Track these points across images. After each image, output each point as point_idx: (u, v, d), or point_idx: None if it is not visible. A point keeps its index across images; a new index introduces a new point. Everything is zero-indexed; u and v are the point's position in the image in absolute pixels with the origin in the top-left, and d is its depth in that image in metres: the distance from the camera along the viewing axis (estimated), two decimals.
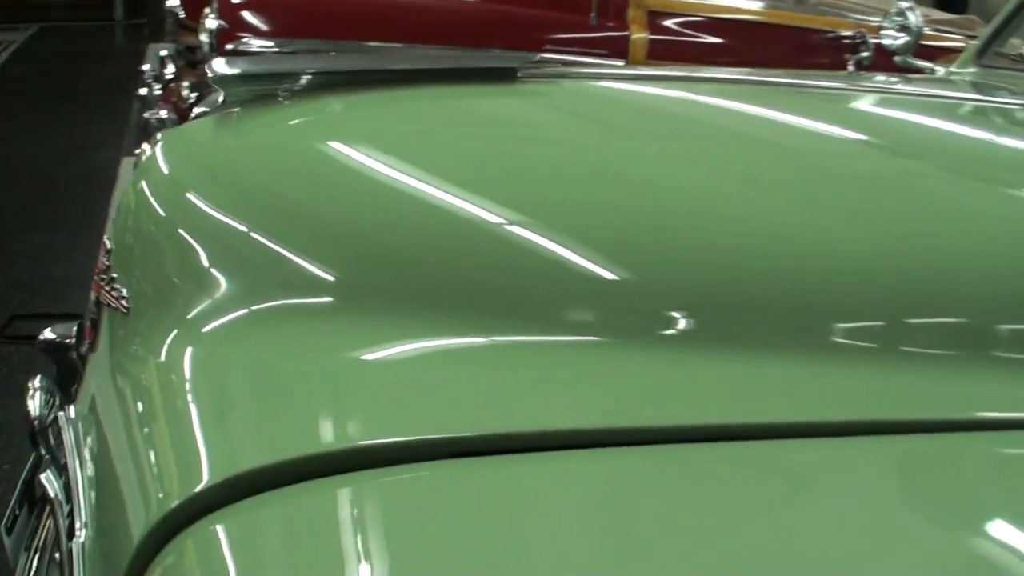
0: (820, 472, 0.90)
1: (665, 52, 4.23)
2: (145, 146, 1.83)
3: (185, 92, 4.18)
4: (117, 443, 1.08)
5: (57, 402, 1.71)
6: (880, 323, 1.07)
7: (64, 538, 1.14)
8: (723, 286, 1.06)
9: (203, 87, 4.02)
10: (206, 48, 3.78)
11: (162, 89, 4.70)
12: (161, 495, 0.93)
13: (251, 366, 1.06)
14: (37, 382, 1.68)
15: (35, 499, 1.63)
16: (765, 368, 1.00)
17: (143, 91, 4.64)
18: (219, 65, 1.17)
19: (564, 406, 0.95)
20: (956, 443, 0.95)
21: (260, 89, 1.25)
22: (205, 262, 1.14)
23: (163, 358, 1.08)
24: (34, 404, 1.69)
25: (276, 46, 3.81)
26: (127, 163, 5.58)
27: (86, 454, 1.17)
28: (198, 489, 0.87)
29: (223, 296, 1.10)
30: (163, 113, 4.14)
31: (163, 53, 5.01)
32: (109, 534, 1.05)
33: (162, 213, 1.21)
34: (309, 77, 1.25)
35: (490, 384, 0.98)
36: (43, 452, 1.69)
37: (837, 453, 0.92)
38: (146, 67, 5.00)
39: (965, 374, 1.04)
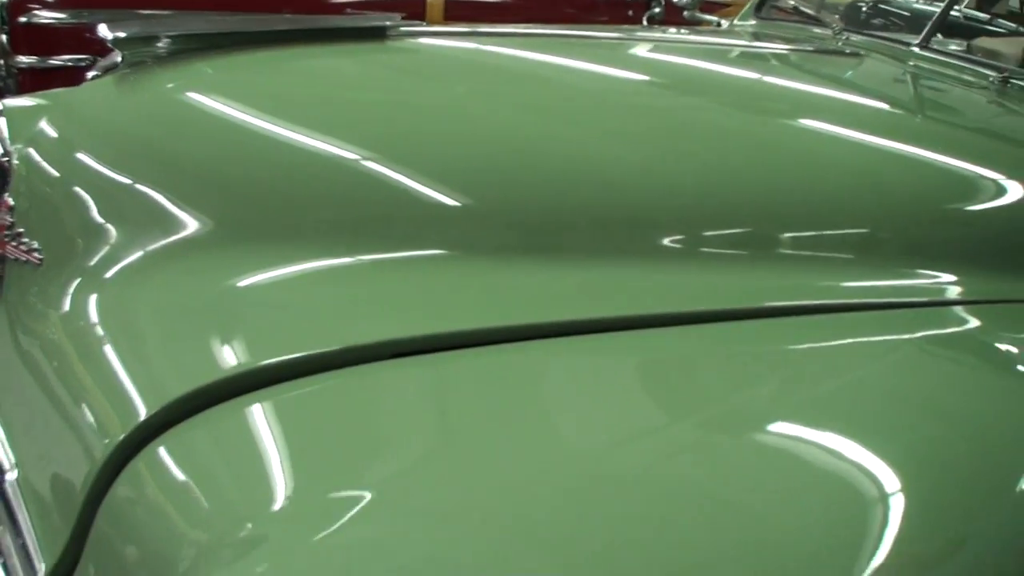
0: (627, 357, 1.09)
1: (460, 14, 4.38)
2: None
3: None
4: (44, 385, 1.16)
5: None
6: (674, 230, 1.26)
7: None
8: (540, 204, 1.23)
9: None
10: None
11: None
12: (106, 428, 1.02)
13: (152, 305, 1.15)
14: None
15: None
16: (583, 272, 1.17)
17: None
18: (109, 29, 1.24)
19: (419, 313, 1.09)
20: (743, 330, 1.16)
21: (138, 54, 1.32)
22: (99, 215, 1.23)
23: (73, 304, 1.16)
24: None
25: (68, 16, 3.72)
26: None
27: (2, 401, 1.23)
28: (141, 419, 0.97)
29: (118, 244, 1.19)
30: None
31: None
32: (48, 471, 1.13)
33: (55, 173, 1.27)
34: (168, 42, 1.34)
35: (355, 297, 1.11)
36: None
37: (642, 342, 1.10)
38: None
39: (750, 270, 1.25)
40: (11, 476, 1.16)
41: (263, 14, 3.92)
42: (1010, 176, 1.47)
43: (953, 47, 2.35)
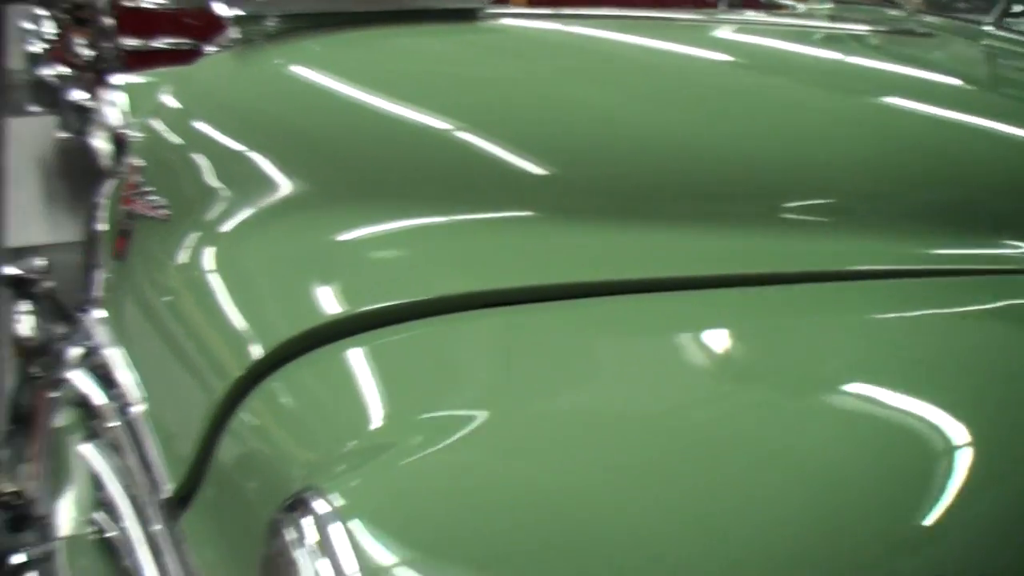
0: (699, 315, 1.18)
1: (544, 2, 4.48)
2: (104, 91, 2.01)
3: (80, 49, 4.24)
4: (168, 328, 1.30)
5: (46, 323, 1.90)
6: (756, 199, 1.35)
7: (116, 414, 1.35)
8: (624, 172, 1.32)
9: (97, 45, 4.11)
10: (101, 4, 3.87)
11: (49, 47, 4.74)
12: (225, 366, 1.16)
13: (264, 256, 1.28)
14: (23, 307, 1.87)
15: (21, 416, 1.81)
16: (666, 235, 1.27)
17: (33, 49, 4.66)
18: (227, 7, 1.38)
19: (506, 268, 1.19)
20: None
21: (250, 32, 1.45)
22: (216, 176, 1.36)
23: (194, 255, 1.30)
24: (23, 327, 1.88)
25: (170, 2, 3.93)
26: (18, 123, 5.56)
27: (129, 344, 1.38)
28: (256, 358, 1.10)
29: (233, 202, 1.32)
30: (60, 69, 4.21)
31: (41, 12, 5.02)
32: (172, 405, 1.27)
33: (178, 139, 1.42)
34: (277, 20, 1.46)
35: (448, 252, 1.22)
36: (32, 371, 1.88)
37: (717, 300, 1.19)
38: (26, 26, 5.01)
39: (837, 236, 1.34)
40: (138, 409, 1.30)
41: None
42: None
43: None
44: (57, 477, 1.64)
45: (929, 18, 2.46)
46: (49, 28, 4.87)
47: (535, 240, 1.23)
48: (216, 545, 1.08)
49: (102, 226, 1.88)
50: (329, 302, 1.15)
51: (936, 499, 0.91)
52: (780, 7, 2.89)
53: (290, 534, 0.78)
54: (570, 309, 1.15)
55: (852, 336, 1.15)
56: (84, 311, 1.55)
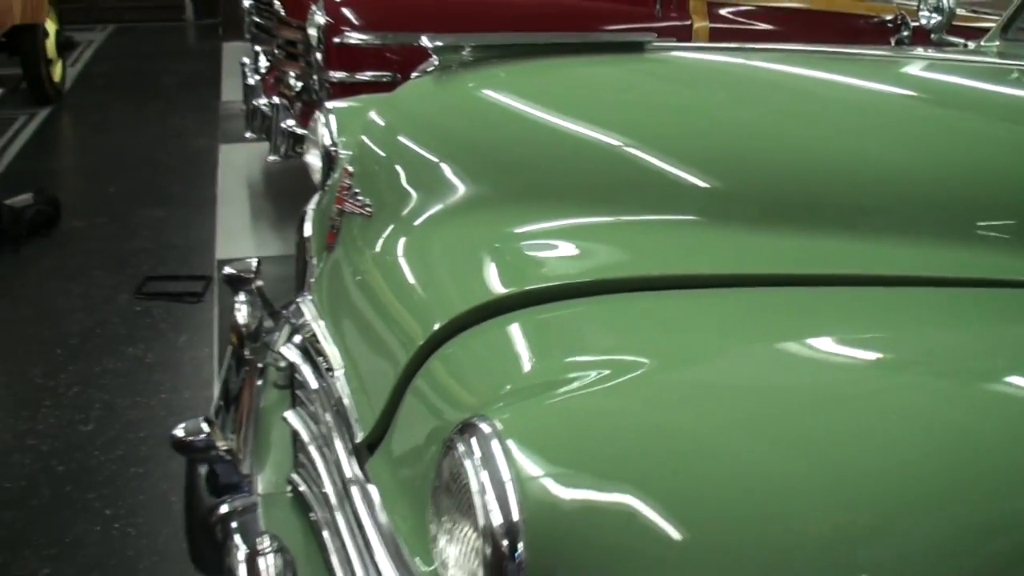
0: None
1: (725, 39, 4.64)
2: (318, 115, 2.29)
3: (292, 81, 4.64)
4: (367, 304, 1.53)
5: (257, 313, 2.17)
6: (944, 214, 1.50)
7: (321, 377, 1.58)
8: (776, 186, 1.48)
9: (307, 77, 4.49)
10: (313, 42, 4.24)
11: (260, 79, 5.19)
12: (409, 336, 1.37)
13: (448, 245, 1.48)
14: (243, 297, 2.15)
15: (231, 393, 2.07)
16: (812, 241, 1.42)
17: (250, 81, 5.11)
18: (428, 40, 1.61)
19: (660, 259, 1.37)
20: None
21: (448, 60, 1.68)
22: (413, 181, 1.59)
23: (390, 243, 1.53)
24: (241, 315, 2.16)
25: (375, 38, 4.26)
26: (225, 150, 6.08)
27: (333, 318, 1.62)
28: (436, 328, 1.31)
29: (425, 202, 1.54)
30: (275, 99, 4.62)
31: (258, 49, 5.50)
32: (366, 368, 1.50)
33: (382, 149, 1.66)
34: (471, 50, 1.68)
35: (611, 246, 1.40)
36: (246, 353, 2.14)
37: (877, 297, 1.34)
38: (245, 61, 5.49)
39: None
40: (339, 372, 1.54)
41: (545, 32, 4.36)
42: None
43: None
44: (259, 445, 1.90)
45: None
46: (264, 63, 5.34)
47: (689, 239, 1.41)
48: (396, 481, 1.29)
49: (308, 231, 2.15)
50: (498, 283, 1.35)
51: None
52: (951, 44, 2.96)
53: (460, 449, 0.98)
54: (718, 295, 1.32)
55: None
56: (296, 299, 1.81)
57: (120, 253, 4.55)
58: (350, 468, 1.40)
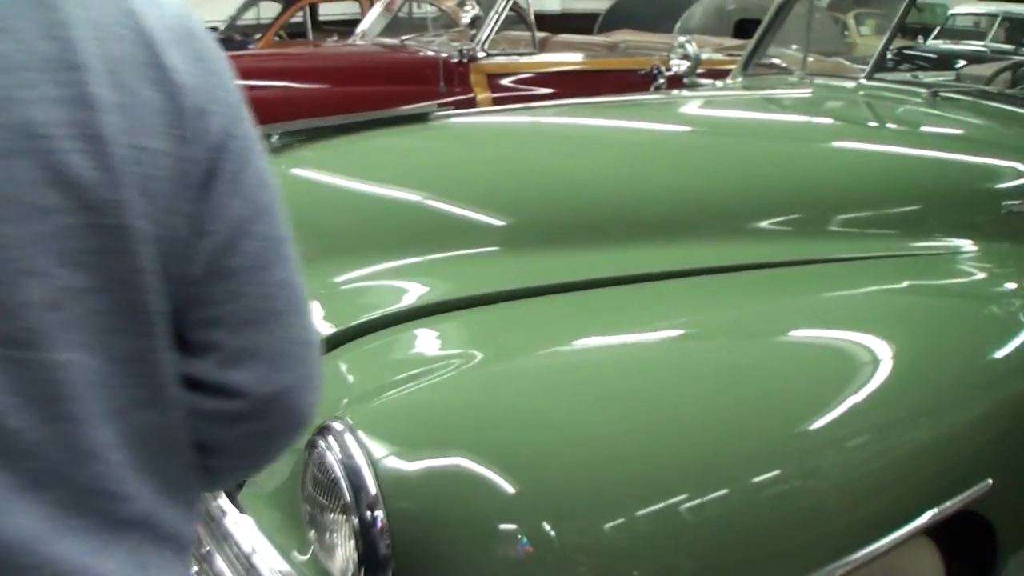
0: None
1: (507, 105, 4.96)
2: None
3: None
4: None
5: None
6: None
7: None
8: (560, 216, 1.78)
9: None
10: None
11: None
12: None
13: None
14: None
15: None
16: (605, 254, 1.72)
17: None
18: None
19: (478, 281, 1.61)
20: None
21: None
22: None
23: None
24: None
25: None
26: None
27: None
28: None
29: None
30: None
31: None
32: None
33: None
34: (277, 137, 1.91)
35: (430, 278, 1.65)
36: None
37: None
38: None
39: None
40: None
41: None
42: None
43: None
44: None
45: (818, 80, 2.94)
46: None
47: (490, 265, 1.67)
48: (265, 497, 1.44)
49: None
50: (327, 323, 1.57)
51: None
52: (701, 85, 3.36)
53: (320, 445, 1.18)
54: (522, 304, 1.58)
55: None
56: None
57: None
58: (220, 506, 1.55)
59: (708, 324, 1.57)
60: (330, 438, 1.18)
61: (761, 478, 1.27)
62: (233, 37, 8.82)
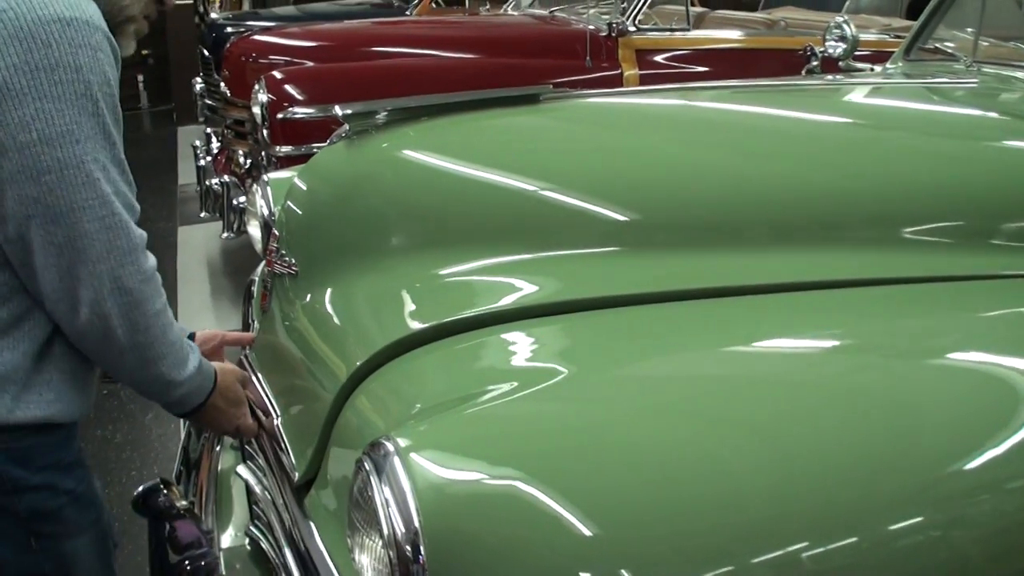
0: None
1: (656, 83, 4.79)
2: (255, 187, 2.40)
3: (241, 159, 4.76)
4: (296, 355, 1.64)
5: None
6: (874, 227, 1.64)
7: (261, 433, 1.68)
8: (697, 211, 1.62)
9: (255, 154, 4.62)
10: (259, 119, 4.36)
11: (212, 160, 5.32)
12: (331, 378, 1.48)
13: (375, 289, 1.59)
14: None
15: (190, 460, 2.15)
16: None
17: (202, 163, 5.24)
18: (340, 108, 1.73)
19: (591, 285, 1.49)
20: None
21: (361, 125, 1.79)
22: (332, 239, 1.70)
23: (314, 297, 1.64)
24: None
25: (318, 111, 4.38)
26: (183, 231, 6.19)
27: (269, 371, 1.72)
28: (370, 354, 1.42)
29: (343, 258, 1.65)
30: (225, 178, 4.74)
31: (209, 131, 5.63)
32: (298, 413, 1.60)
33: (302, 212, 1.77)
34: (385, 113, 1.80)
35: (539, 277, 1.53)
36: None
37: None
38: (196, 143, 5.62)
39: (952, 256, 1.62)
40: (278, 421, 1.64)
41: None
42: None
43: None
44: (221, 504, 1.98)
45: (986, 68, 2.67)
46: (215, 144, 5.47)
47: (607, 267, 1.52)
48: (329, 511, 1.39)
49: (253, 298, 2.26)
50: (416, 318, 1.47)
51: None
52: (858, 70, 3.12)
53: (367, 467, 1.08)
54: (631, 312, 1.44)
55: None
56: (239, 358, 1.91)
57: None
58: (288, 509, 1.49)
59: (848, 342, 1.37)
60: (378, 459, 1.07)
61: (898, 526, 1.09)
62: (392, 2, 8.88)
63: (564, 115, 1.93)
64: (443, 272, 1.56)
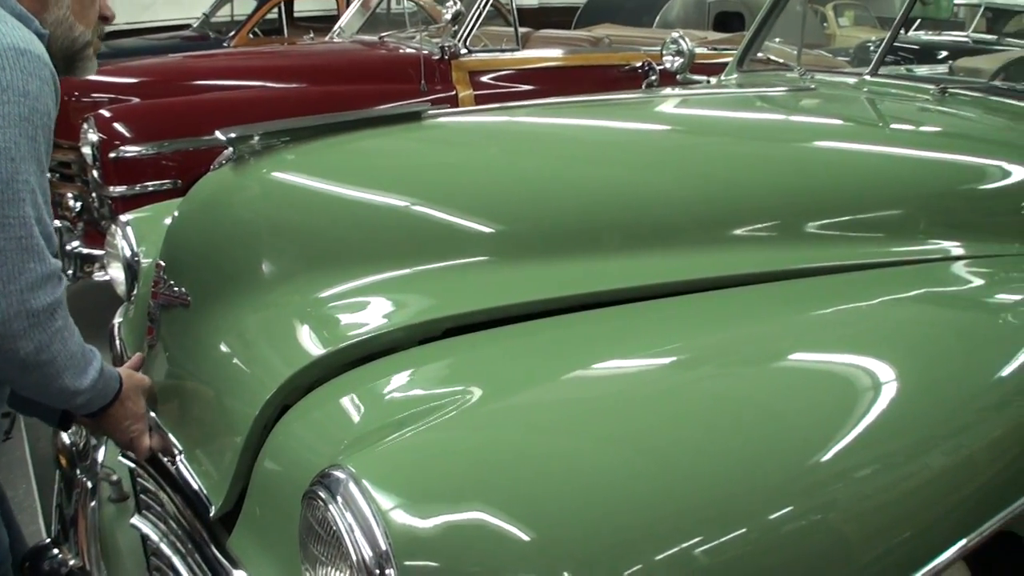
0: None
1: (490, 102, 4.87)
2: (114, 229, 2.32)
3: (71, 202, 4.56)
4: (195, 388, 1.59)
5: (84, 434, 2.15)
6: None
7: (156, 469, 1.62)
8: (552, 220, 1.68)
9: (85, 196, 4.44)
10: (89, 160, 4.20)
11: None
12: (249, 398, 1.44)
13: (268, 316, 1.57)
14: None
15: (67, 520, 2.06)
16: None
17: None
18: (222, 133, 1.69)
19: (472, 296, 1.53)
20: None
21: (240, 149, 1.75)
22: (221, 266, 1.66)
23: (212, 324, 1.60)
24: (66, 436, 2.14)
25: (151, 147, 4.26)
26: None
27: (164, 408, 1.67)
28: (279, 384, 1.40)
29: (231, 284, 1.62)
30: (57, 223, 4.53)
31: None
32: (210, 440, 1.55)
33: (188, 239, 1.73)
34: (261, 138, 1.77)
35: (422, 292, 1.55)
36: (78, 473, 2.12)
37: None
38: None
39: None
40: (179, 456, 1.59)
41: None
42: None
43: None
44: (109, 559, 1.90)
45: (819, 75, 2.84)
46: None
47: (484, 276, 1.56)
48: (262, 547, 1.35)
49: (119, 342, 2.18)
50: (314, 344, 1.46)
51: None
52: (695, 82, 3.26)
53: (322, 496, 1.07)
54: (524, 328, 1.48)
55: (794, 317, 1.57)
56: None
57: None
58: (201, 556, 1.44)
59: (705, 349, 1.47)
60: (333, 488, 1.06)
61: (777, 515, 1.18)
62: (207, 34, 8.71)
63: (439, 134, 1.94)
64: (330, 293, 1.55)
